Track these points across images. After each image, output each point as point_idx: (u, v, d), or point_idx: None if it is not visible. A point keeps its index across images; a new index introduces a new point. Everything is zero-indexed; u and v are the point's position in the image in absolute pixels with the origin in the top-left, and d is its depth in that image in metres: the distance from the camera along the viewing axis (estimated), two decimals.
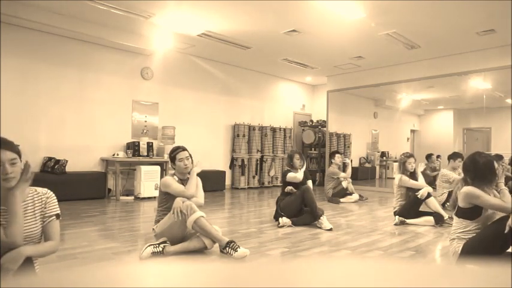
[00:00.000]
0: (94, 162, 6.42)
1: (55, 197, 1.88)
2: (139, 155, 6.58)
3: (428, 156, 7.82)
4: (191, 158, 3.30)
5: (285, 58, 7.95)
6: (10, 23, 5.49)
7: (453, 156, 5.62)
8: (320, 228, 4.10)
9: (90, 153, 6.37)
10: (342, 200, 6.37)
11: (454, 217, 2.74)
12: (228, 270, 0.29)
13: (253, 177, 8.64)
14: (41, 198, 1.82)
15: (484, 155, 2.70)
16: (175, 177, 3.21)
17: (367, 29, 5.97)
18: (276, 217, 4.43)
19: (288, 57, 7.91)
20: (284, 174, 4.68)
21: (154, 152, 6.98)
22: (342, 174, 6.50)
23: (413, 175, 4.61)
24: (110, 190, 6.44)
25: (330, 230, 4.03)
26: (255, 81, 9.20)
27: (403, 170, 4.59)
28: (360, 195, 6.54)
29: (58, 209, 1.87)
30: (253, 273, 0.28)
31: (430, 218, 4.38)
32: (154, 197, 6.37)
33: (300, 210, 4.39)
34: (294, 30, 6.15)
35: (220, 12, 5.49)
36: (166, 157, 6.88)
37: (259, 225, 4.30)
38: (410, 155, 4.69)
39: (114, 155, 6.40)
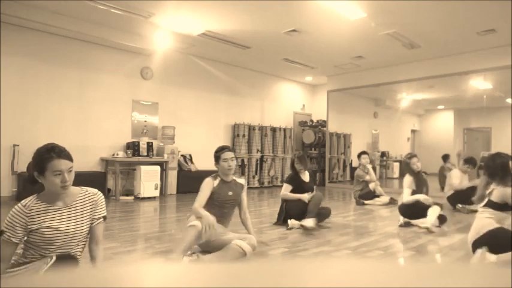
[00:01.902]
0: (94, 162, 6.42)
1: (104, 199, 1.94)
2: (139, 155, 6.58)
3: (446, 157, 7.72)
4: (236, 160, 3.14)
5: (285, 58, 7.95)
6: (10, 23, 5.49)
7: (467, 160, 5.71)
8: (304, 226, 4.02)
9: (90, 153, 6.37)
10: (368, 202, 6.16)
11: (481, 208, 2.88)
12: (228, 270, 0.29)
13: (253, 177, 8.64)
14: (92, 199, 1.87)
15: (503, 155, 2.92)
16: (217, 179, 3.04)
17: (367, 29, 5.97)
18: (280, 219, 4.36)
19: (288, 57, 7.91)
20: (291, 180, 4.54)
21: (154, 152, 6.98)
22: (367, 177, 6.33)
23: (419, 175, 4.53)
24: (109, 190, 6.44)
25: (307, 229, 3.93)
26: (255, 81, 9.20)
27: (411, 171, 4.53)
28: (391, 198, 6.21)
29: (105, 210, 1.93)
30: (253, 273, 0.28)
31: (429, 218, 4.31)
32: (154, 197, 6.37)
33: (305, 212, 4.28)
34: (294, 30, 6.15)
35: (220, 12, 5.49)
36: (166, 157, 6.89)
37: (259, 225, 4.29)
38: (413, 155, 4.64)
39: (114, 155, 6.40)
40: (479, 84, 7.76)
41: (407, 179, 4.54)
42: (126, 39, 6.41)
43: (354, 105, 10.61)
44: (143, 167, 6.34)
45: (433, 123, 11.39)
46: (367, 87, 8.92)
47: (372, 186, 6.30)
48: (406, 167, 4.59)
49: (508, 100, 8.12)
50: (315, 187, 4.63)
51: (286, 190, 4.50)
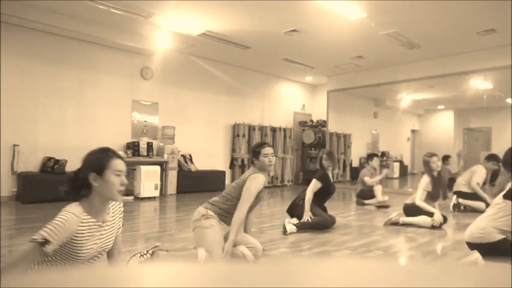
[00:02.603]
0: None
1: None
2: (139, 155, 6.58)
3: (445, 158, 7.64)
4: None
5: (285, 58, 7.95)
6: (10, 23, 5.49)
7: (489, 158, 5.45)
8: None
9: None
10: (368, 201, 6.13)
11: (498, 200, 2.67)
12: (228, 270, 0.29)
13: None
14: (120, 209, 1.80)
15: None
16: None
17: (367, 29, 5.97)
18: (290, 213, 4.27)
19: (288, 57, 7.91)
20: (322, 177, 4.27)
21: (154, 152, 6.99)
22: (370, 180, 6.22)
23: (438, 176, 4.40)
24: None
25: (285, 233, 3.85)
26: (255, 81, 9.20)
27: (429, 171, 4.38)
28: (382, 204, 6.06)
29: None
30: (253, 273, 0.28)
31: (428, 219, 4.23)
32: (154, 197, 6.37)
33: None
34: (294, 30, 6.15)
35: (220, 12, 5.49)
36: (166, 157, 6.89)
37: (259, 225, 4.29)
38: (433, 154, 4.48)
39: None
40: (479, 84, 7.76)
41: (425, 180, 4.40)
42: (126, 39, 6.41)
43: (354, 105, 10.61)
44: (143, 167, 6.34)
45: (433, 123, 11.40)
46: (367, 87, 8.92)
47: (378, 190, 6.19)
48: (425, 167, 4.44)
49: (508, 100, 8.12)
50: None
51: (315, 187, 4.22)
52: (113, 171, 1.58)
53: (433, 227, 4.19)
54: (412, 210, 4.42)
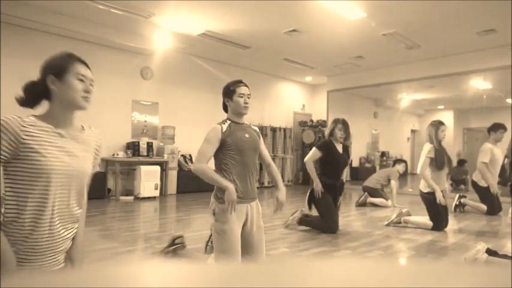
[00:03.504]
0: None
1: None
2: (139, 155, 6.58)
3: (461, 163, 7.60)
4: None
5: (285, 58, 7.95)
6: (10, 23, 5.49)
7: (494, 127, 5.19)
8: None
9: None
10: (373, 200, 6.10)
11: None
12: (228, 270, 0.29)
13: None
14: (97, 138, 1.56)
15: None
16: (226, 123, 2.40)
17: (367, 29, 5.97)
18: (309, 205, 4.11)
19: (288, 57, 7.91)
20: (322, 145, 4.02)
21: (154, 152, 6.99)
22: (394, 186, 6.06)
23: (441, 147, 4.21)
24: (109, 190, 6.44)
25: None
26: (255, 81, 9.19)
27: (434, 139, 4.18)
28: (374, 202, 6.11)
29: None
30: (253, 273, 0.28)
31: (429, 223, 4.17)
32: (154, 197, 6.37)
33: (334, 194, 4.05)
34: (294, 30, 6.15)
35: (220, 12, 5.49)
36: (166, 157, 6.89)
37: None
38: (442, 122, 4.28)
39: (114, 154, 6.40)
40: (479, 84, 7.76)
41: (427, 147, 4.15)
42: (126, 39, 6.41)
43: (354, 105, 10.61)
44: (143, 167, 6.34)
45: None
46: (367, 87, 8.92)
47: (394, 192, 6.04)
48: (429, 134, 4.23)
49: (508, 100, 8.12)
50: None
51: (313, 156, 3.96)
52: (75, 74, 1.38)
53: (432, 229, 4.13)
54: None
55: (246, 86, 2.44)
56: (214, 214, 2.19)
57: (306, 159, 4.05)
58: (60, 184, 1.32)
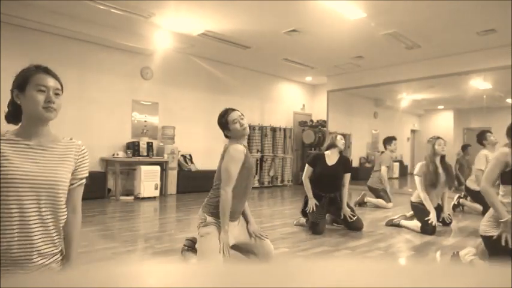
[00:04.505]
0: (94, 162, 6.42)
1: (88, 156, 1.62)
2: (139, 155, 6.58)
3: (465, 148, 7.28)
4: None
5: (285, 58, 7.95)
6: (10, 23, 5.49)
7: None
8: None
9: (90, 153, 6.28)
10: (371, 200, 6.03)
11: None
12: (228, 270, 0.29)
13: (253, 177, 8.64)
14: (77, 149, 1.56)
15: None
16: (242, 144, 2.50)
17: (367, 29, 5.97)
18: (304, 210, 4.14)
19: (288, 57, 7.91)
20: (313, 160, 4.11)
21: (154, 152, 6.99)
22: (384, 176, 5.91)
23: (443, 162, 4.14)
24: (109, 190, 6.44)
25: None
26: (255, 81, 9.20)
27: (433, 153, 4.08)
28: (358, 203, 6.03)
29: (88, 171, 1.61)
30: (253, 273, 0.28)
31: (418, 225, 4.07)
32: (154, 197, 6.37)
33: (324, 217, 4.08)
34: (294, 30, 6.15)
35: (220, 12, 5.49)
36: (166, 157, 6.89)
37: (259, 225, 4.29)
38: (438, 137, 4.20)
39: (114, 154, 6.40)
40: (479, 84, 7.76)
41: (417, 165, 4.15)
42: (126, 39, 6.41)
43: (354, 105, 10.61)
44: (143, 167, 6.34)
45: (433, 123, 11.40)
46: (367, 87, 8.92)
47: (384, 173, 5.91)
48: (428, 151, 4.14)
49: (508, 100, 8.12)
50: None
51: (307, 173, 4.10)
52: (35, 85, 1.36)
53: (422, 233, 3.98)
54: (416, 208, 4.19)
55: (234, 110, 2.56)
56: (204, 226, 2.37)
57: (302, 177, 4.19)
58: (26, 195, 1.29)
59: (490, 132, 5.20)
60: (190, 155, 7.63)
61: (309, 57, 7.90)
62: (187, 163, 7.46)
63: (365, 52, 7.37)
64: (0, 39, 5.38)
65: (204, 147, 7.94)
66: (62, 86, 1.49)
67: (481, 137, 5.21)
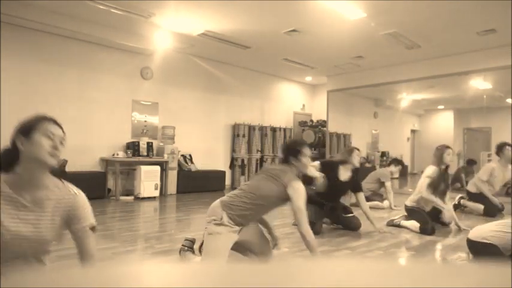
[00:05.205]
0: (94, 162, 6.42)
1: (87, 202, 1.56)
2: (139, 155, 6.59)
3: (470, 163, 7.33)
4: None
5: (285, 58, 7.95)
6: (10, 23, 5.49)
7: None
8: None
9: (90, 153, 6.37)
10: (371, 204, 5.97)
11: None
12: (228, 270, 0.29)
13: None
14: (69, 200, 1.46)
15: None
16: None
17: (367, 29, 5.97)
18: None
19: (288, 57, 7.91)
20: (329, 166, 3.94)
21: (154, 152, 6.99)
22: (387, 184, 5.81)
23: (446, 172, 4.22)
24: (109, 190, 6.44)
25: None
26: (255, 81, 9.20)
27: (439, 163, 4.14)
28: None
29: (91, 217, 1.54)
30: (253, 273, 0.28)
31: (418, 225, 4.11)
32: (154, 197, 6.37)
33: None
34: (294, 30, 6.15)
35: (220, 12, 5.49)
36: (166, 157, 6.89)
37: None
38: (448, 146, 4.24)
39: (114, 154, 6.40)
40: (479, 84, 7.76)
41: (430, 169, 4.13)
42: (126, 39, 6.41)
43: (354, 105, 10.61)
44: (143, 167, 6.34)
45: (433, 123, 11.40)
46: (367, 87, 8.91)
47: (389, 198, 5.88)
48: (435, 157, 4.19)
49: (508, 100, 8.12)
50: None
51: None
52: (43, 131, 1.34)
53: (421, 233, 4.01)
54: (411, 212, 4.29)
55: (307, 144, 2.61)
56: (217, 225, 2.30)
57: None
58: (12, 252, 1.30)
59: (510, 145, 5.16)
60: (190, 155, 7.63)
61: (309, 57, 7.90)
62: (187, 163, 7.47)
63: (365, 52, 7.36)
64: (0, 39, 5.38)
65: (204, 147, 7.94)
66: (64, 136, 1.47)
67: (500, 149, 5.26)
